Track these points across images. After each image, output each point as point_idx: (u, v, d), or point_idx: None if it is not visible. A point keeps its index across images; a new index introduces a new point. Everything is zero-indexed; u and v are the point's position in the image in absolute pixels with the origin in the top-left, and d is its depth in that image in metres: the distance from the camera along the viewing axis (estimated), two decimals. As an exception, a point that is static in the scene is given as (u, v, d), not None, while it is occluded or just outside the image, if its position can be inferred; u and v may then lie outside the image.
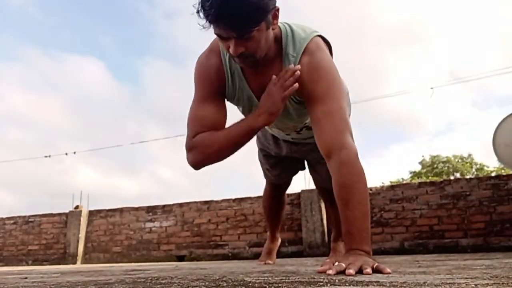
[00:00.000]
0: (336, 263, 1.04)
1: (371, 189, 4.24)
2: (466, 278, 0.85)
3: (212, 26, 1.16)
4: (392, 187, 4.34)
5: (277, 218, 2.32)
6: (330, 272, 1.00)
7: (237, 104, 1.49)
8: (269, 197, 2.24)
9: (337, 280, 0.85)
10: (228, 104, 1.46)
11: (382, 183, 19.99)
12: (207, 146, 1.32)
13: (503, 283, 0.74)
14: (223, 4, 1.09)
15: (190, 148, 1.35)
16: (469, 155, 22.89)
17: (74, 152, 7.69)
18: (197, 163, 1.36)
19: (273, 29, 1.25)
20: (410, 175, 22.83)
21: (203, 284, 0.87)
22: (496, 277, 0.86)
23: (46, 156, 7.69)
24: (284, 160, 1.99)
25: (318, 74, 1.30)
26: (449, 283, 0.75)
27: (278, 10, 1.21)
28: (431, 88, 5.92)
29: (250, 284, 0.83)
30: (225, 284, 0.85)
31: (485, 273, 0.97)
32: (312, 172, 2.10)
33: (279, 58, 1.34)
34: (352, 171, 1.20)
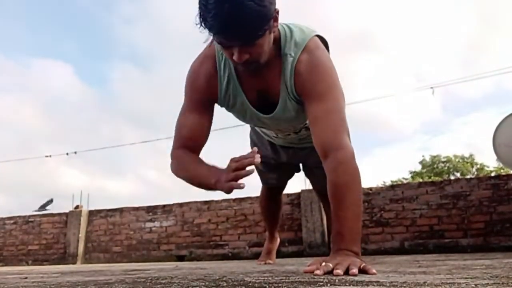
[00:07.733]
0: (324, 263, 1.03)
1: (371, 189, 4.25)
2: (466, 278, 0.85)
3: (214, 35, 1.13)
4: (392, 187, 4.34)
5: (275, 218, 2.34)
6: (317, 272, 0.99)
7: (231, 111, 1.48)
8: (266, 198, 2.26)
9: (337, 280, 0.85)
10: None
11: (383, 182, 20.03)
12: (178, 168, 1.38)
13: (503, 283, 0.74)
14: (227, 15, 1.05)
15: (171, 158, 1.41)
16: (470, 155, 22.92)
17: (75, 152, 7.69)
18: (174, 174, 1.41)
19: (273, 32, 1.23)
20: (410, 175, 22.84)
21: (203, 284, 0.87)
22: (496, 277, 0.86)
23: (47, 156, 7.71)
24: (282, 165, 2.01)
25: (318, 73, 1.29)
26: (449, 283, 0.75)
27: (278, 12, 1.18)
28: (431, 88, 5.93)
29: (250, 284, 0.83)
30: (225, 284, 0.85)
31: (485, 273, 0.97)
32: (309, 175, 2.11)
33: (278, 58, 1.32)
34: (348, 171, 1.20)
